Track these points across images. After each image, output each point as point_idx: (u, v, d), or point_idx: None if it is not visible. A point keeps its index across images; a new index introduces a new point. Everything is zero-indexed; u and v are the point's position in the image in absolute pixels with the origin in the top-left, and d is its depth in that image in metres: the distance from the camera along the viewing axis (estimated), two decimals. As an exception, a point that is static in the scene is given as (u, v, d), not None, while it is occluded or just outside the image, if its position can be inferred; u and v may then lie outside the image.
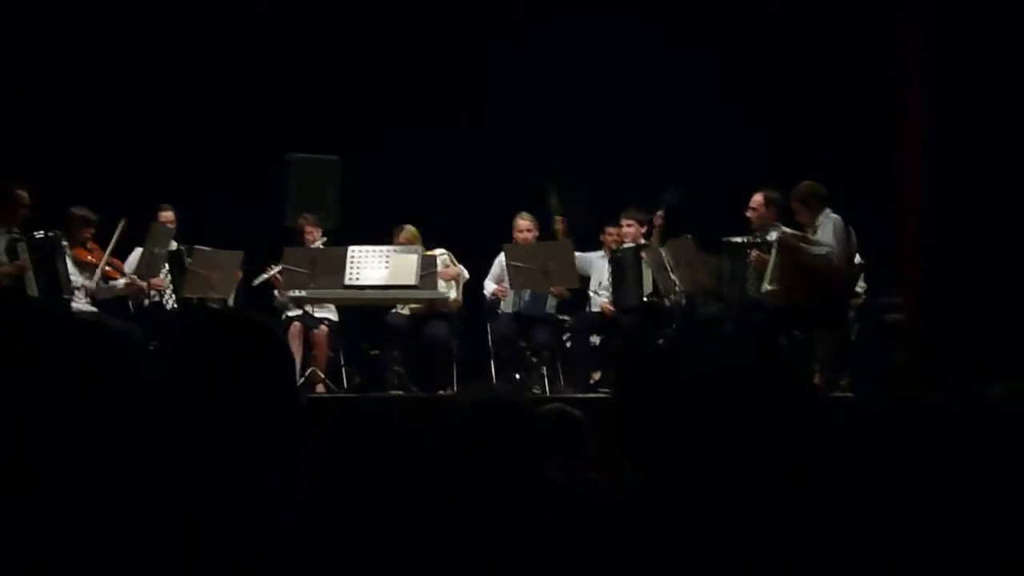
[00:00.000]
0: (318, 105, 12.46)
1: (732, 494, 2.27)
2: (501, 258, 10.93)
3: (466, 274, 10.95)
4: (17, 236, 9.73)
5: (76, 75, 12.14)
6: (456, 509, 2.77)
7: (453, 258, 10.89)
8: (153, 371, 2.06)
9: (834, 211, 9.69)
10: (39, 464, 1.90)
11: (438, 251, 10.76)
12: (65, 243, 10.09)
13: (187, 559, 1.90)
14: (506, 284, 10.85)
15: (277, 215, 11.34)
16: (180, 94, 12.31)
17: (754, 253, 9.92)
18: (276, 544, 1.95)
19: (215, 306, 10.32)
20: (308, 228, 10.99)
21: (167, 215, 10.78)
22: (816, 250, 9.55)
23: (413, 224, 10.92)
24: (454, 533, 2.66)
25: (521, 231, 10.88)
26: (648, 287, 10.52)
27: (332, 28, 12.62)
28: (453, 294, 10.80)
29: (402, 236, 10.81)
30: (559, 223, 11.04)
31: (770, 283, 9.72)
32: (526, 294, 10.84)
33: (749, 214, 10.15)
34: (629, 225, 10.88)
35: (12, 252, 9.71)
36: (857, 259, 10.01)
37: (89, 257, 10.29)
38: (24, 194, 9.73)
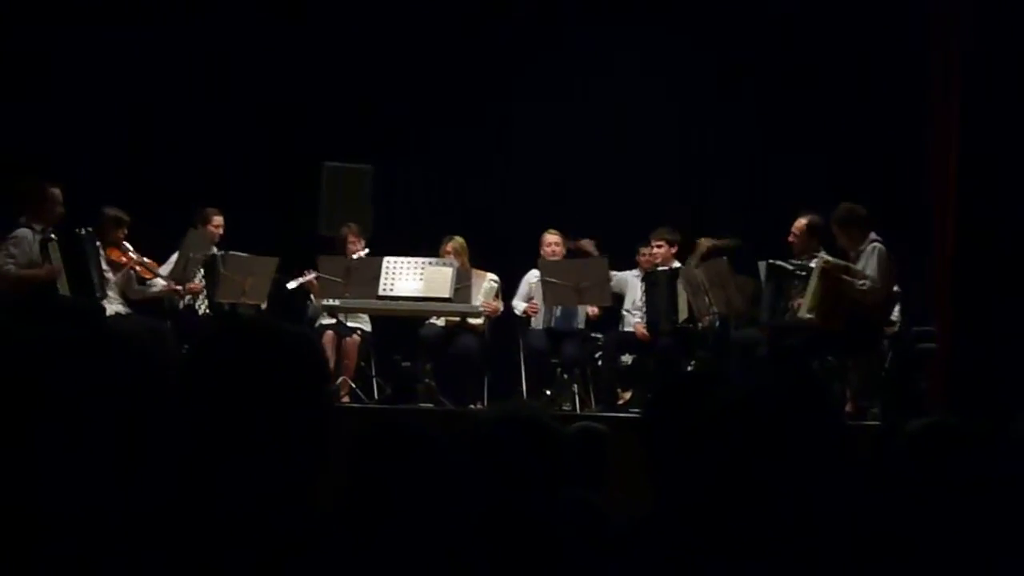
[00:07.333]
0: (353, 113, 12.51)
1: (757, 516, 2.25)
2: (529, 276, 10.99)
3: (500, 309, 10.93)
4: (49, 236, 9.53)
5: (117, 78, 12.20)
6: (480, 523, 2.76)
7: (499, 289, 10.89)
8: (184, 373, 2.06)
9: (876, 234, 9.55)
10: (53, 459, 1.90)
11: (490, 275, 10.82)
12: (98, 243, 10.03)
13: (201, 563, 1.90)
14: (537, 301, 10.85)
15: (311, 223, 11.38)
16: (209, 98, 12.43)
17: (795, 302, 9.77)
18: (295, 554, 1.94)
19: (247, 312, 10.32)
20: (352, 238, 11.00)
21: (217, 219, 10.73)
22: (859, 284, 9.37)
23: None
24: (478, 547, 2.65)
25: (549, 245, 10.89)
26: (683, 312, 10.49)
27: (363, 33, 12.67)
28: (481, 320, 10.80)
29: (450, 246, 10.80)
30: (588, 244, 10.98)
31: (809, 311, 9.57)
32: (557, 310, 10.83)
33: (791, 239, 9.99)
34: (659, 246, 10.85)
35: (44, 252, 9.58)
36: (894, 288, 9.90)
37: (122, 258, 10.25)
38: (57, 192, 9.56)
